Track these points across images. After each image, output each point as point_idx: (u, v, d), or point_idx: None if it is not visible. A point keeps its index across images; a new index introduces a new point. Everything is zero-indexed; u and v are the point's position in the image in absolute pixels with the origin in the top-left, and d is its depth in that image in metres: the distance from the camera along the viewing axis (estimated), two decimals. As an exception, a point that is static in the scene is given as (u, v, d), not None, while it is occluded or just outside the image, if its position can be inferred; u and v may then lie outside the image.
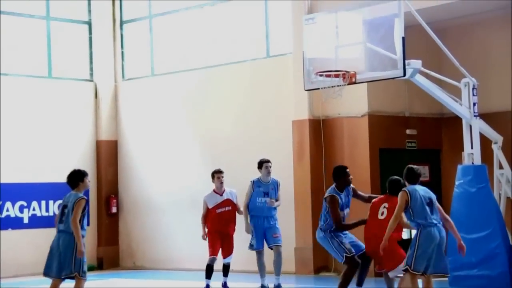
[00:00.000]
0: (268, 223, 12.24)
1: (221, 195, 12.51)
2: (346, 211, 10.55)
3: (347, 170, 10.63)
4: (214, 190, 12.59)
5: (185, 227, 16.62)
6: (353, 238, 10.55)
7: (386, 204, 10.14)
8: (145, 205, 17.51)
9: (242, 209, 12.38)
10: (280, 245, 12.20)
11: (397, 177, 10.18)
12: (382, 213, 10.12)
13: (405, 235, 11.15)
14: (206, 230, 12.47)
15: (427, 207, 9.32)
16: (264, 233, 12.23)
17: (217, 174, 12.56)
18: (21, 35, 17.25)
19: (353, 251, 10.35)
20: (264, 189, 12.27)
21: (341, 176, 10.53)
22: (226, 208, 12.46)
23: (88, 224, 10.26)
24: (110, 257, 17.80)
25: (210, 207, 12.45)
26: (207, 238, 12.46)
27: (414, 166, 9.65)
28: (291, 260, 14.57)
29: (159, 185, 17.29)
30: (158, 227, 17.27)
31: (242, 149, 15.71)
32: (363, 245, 10.41)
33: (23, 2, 17.24)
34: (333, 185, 10.57)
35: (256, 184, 12.30)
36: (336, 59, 11.45)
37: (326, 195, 10.55)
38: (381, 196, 10.40)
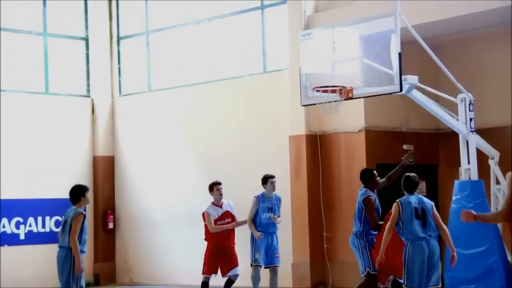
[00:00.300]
0: (272, 240, 12.22)
1: (221, 207, 12.40)
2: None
3: (375, 171, 10.82)
4: (213, 203, 12.45)
5: (182, 242, 16.58)
6: None
7: None
8: (142, 221, 17.47)
9: (247, 223, 12.25)
10: (279, 266, 12.21)
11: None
12: None
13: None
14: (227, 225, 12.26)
15: (416, 221, 9.31)
16: (266, 249, 12.19)
17: (216, 186, 12.41)
18: (18, 51, 17.26)
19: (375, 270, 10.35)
20: (269, 204, 12.27)
21: (369, 178, 10.75)
22: (226, 220, 12.33)
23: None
24: (107, 273, 17.74)
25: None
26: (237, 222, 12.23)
27: (412, 174, 9.66)
28: (288, 276, 14.52)
29: (156, 200, 17.26)
30: (155, 242, 17.23)
31: (239, 165, 15.70)
32: None
33: (20, 19, 17.27)
34: (363, 188, 10.69)
35: (261, 199, 12.26)
36: (333, 75, 11.47)
37: (361, 197, 10.59)
38: None
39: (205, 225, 12.40)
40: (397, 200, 9.51)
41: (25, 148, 16.90)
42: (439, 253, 9.48)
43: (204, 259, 12.33)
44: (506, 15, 12.68)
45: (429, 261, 9.28)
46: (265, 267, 12.26)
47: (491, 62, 14.36)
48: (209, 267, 12.23)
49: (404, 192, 9.63)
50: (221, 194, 12.39)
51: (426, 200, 9.59)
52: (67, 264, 9.79)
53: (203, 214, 12.41)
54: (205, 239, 12.44)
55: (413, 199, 9.46)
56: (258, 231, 12.15)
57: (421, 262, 9.23)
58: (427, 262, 9.27)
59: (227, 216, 12.37)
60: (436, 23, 13.10)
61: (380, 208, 10.76)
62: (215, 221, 12.28)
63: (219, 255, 12.25)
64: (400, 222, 9.32)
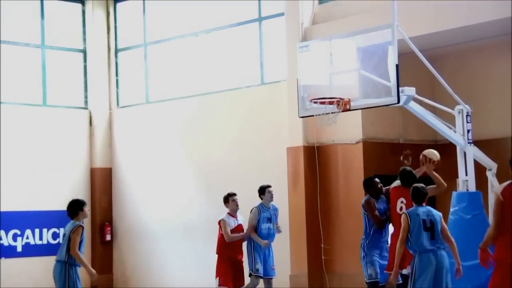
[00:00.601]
0: (269, 252, 12.18)
1: (236, 218, 12.28)
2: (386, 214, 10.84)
3: (375, 179, 11.03)
4: (229, 213, 12.25)
5: (180, 254, 16.56)
6: (384, 263, 10.71)
7: (403, 200, 10.46)
8: (140, 233, 17.44)
9: (231, 235, 12.09)
10: (274, 277, 12.21)
11: (409, 168, 10.61)
12: (401, 208, 10.38)
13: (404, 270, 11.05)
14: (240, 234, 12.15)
15: (424, 233, 9.26)
16: (263, 260, 12.13)
17: (231, 197, 12.26)
18: (16, 63, 17.28)
19: (377, 277, 10.57)
20: (267, 214, 12.25)
21: (370, 187, 11.00)
22: (239, 233, 12.22)
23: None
24: (105, 285, 17.68)
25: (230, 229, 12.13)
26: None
27: (420, 185, 9.64)
28: (286, 287, 14.50)
29: (153, 212, 17.24)
30: (152, 254, 17.20)
31: (237, 177, 15.69)
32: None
33: (18, 31, 17.30)
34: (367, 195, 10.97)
35: (261, 209, 12.23)
36: (331, 86, 11.47)
37: (361, 204, 10.88)
38: (397, 186, 10.68)
39: (220, 236, 12.17)
40: (404, 212, 9.48)
41: (22, 160, 16.90)
42: (448, 264, 9.43)
43: (219, 271, 12.03)
44: (503, 27, 12.72)
45: (438, 273, 9.21)
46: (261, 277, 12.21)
47: (488, 74, 14.39)
48: (226, 279, 12.02)
49: (413, 203, 9.61)
50: (237, 205, 12.26)
51: (434, 211, 9.54)
52: (62, 279, 9.80)
53: (219, 222, 12.18)
54: (217, 252, 12.19)
55: (421, 210, 9.41)
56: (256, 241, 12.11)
57: (429, 275, 9.14)
58: (435, 274, 9.20)
59: (241, 229, 12.23)
60: (433, 35, 13.14)
61: (385, 212, 10.85)
62: (231, 231, 12.11)
63: (232, 269, 12.05)
64: (408, 235, 9.27)
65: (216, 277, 12.11)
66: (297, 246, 14.59)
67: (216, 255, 12.22)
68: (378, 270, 10.65)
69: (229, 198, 12.31)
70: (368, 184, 11.05)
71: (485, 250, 7.14)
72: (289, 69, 14.57)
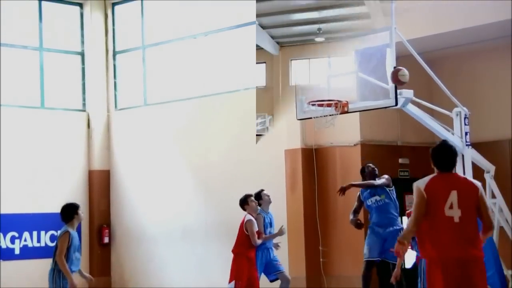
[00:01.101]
0: (269, 255, 12.13)
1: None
2: (375, 198, 11.55)
3: (367, 166, 11.78)
4: (251, 215, 11.93)
5: (178, 256, 16.54)
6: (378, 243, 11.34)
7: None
8: (138, 235, 17.43)
9: (257, 239, 11.82)
10: (284, 271, 12.09)
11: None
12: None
13: (408, 263, 11.11)
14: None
15: None
16: (266, 265, 12.06)
17: (249, 198, 11.98)
18: (14, 66, 17.27)
19: (369, 256, 11.23)
20: (267, 219, 12.22)
21: (362, 172, 11.86)
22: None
23: (80, 255, 10.23)
24: (102, 288, 17.70)
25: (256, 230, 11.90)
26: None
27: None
28: (284, 290, 14.49)
29: (151, 215, 17.22)
30: (150, 257, 17.18)
31: (235, 179, 15.68)
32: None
33: (16, 33, 17.29)
34: None
35: (264, 215, 12.17)
36: (329, 89, 11.49)
37: None
38: None
39: (242, 236, 11.83)
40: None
41: (20, 163, 16.87)
42: None
43: (235, 275, 11.68)
44: (501, 29, 12.74)
45: None
46: (272, 281, 12.12)
47: (487, 76, 14.41)
48: (242, 281, 11.82)
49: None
50: (257, 205, 12.02)
51: None
52: (52, 283, 9.79)
53: (247, 222, 11.75)
54: (236, 251, 11.83)
55: None
56: (260, 247, 11.96)
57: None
58: None
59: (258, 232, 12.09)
60: (431, 38, 13.15)
61: (369, 196, 11.50)
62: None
63: (247, 268, 11.71)
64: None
65: (231, 280, 11.69)
66: (295, 248, 14.58)
67: (232, 254, 11.89)
68: (376, 249, 11.20)
69: (247, 200, 11.97)
70: (362, 170, 11.88)
71: (402, 243, 7.13)
72: (287, 71, 14.57)
